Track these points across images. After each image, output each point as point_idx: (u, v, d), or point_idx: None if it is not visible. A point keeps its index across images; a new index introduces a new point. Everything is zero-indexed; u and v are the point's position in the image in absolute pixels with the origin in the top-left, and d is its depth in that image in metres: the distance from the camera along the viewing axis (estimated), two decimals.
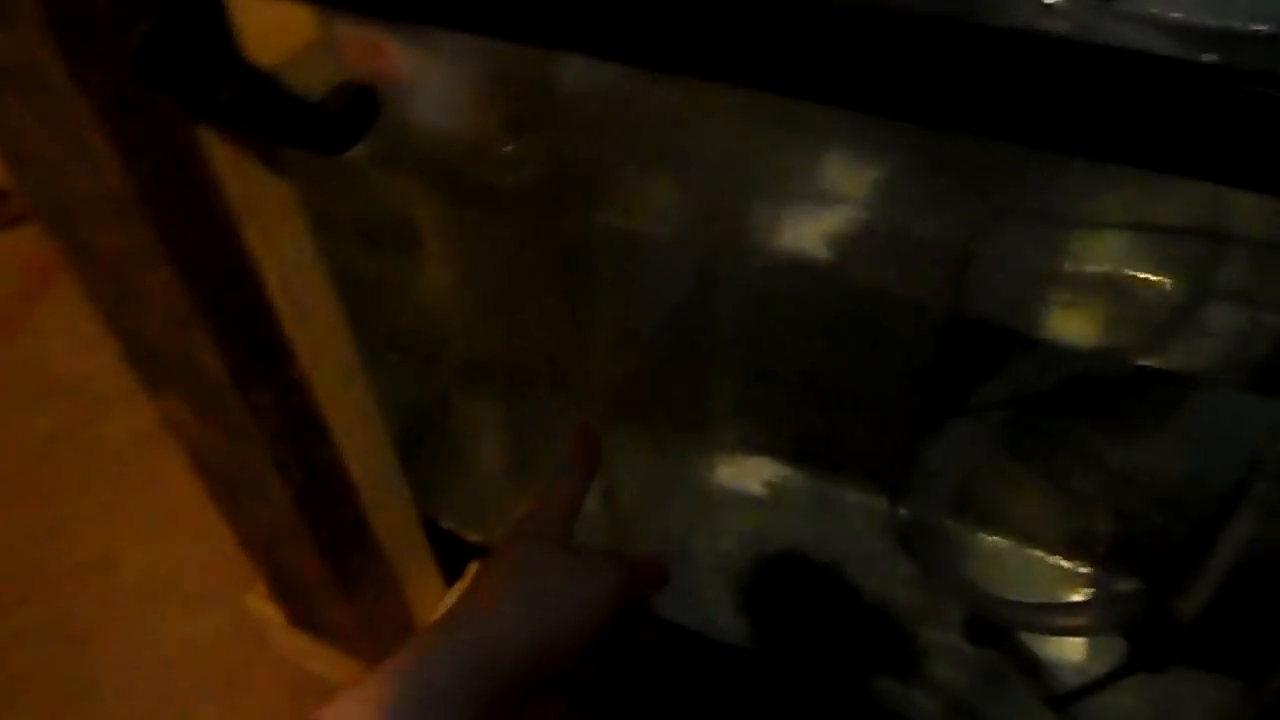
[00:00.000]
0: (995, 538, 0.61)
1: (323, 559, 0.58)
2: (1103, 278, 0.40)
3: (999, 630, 0.58)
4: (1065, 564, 0.59)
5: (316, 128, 0.39)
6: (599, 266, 0.57)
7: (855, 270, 0.48)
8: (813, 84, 0.29)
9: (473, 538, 0.71)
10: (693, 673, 0.70)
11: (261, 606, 0.70)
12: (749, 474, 0.72)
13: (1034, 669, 0.57)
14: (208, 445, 0.53)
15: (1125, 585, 0.56)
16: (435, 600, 0.69)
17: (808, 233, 0.46)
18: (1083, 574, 0.59)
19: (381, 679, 0.42)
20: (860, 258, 0.45)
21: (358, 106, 0.40)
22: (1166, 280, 0.38)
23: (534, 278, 0.58)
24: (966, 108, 0.28)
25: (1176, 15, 0.54)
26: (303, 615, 0.67)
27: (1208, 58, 0.40)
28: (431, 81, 0.43)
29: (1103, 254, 0.40)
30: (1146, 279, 0.39)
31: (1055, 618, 0.54)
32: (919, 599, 0.60)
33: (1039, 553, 0.60)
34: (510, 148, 0.47)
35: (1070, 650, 0.56)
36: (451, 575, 0.71)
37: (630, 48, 0.31)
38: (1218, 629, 0.47)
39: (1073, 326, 0.40)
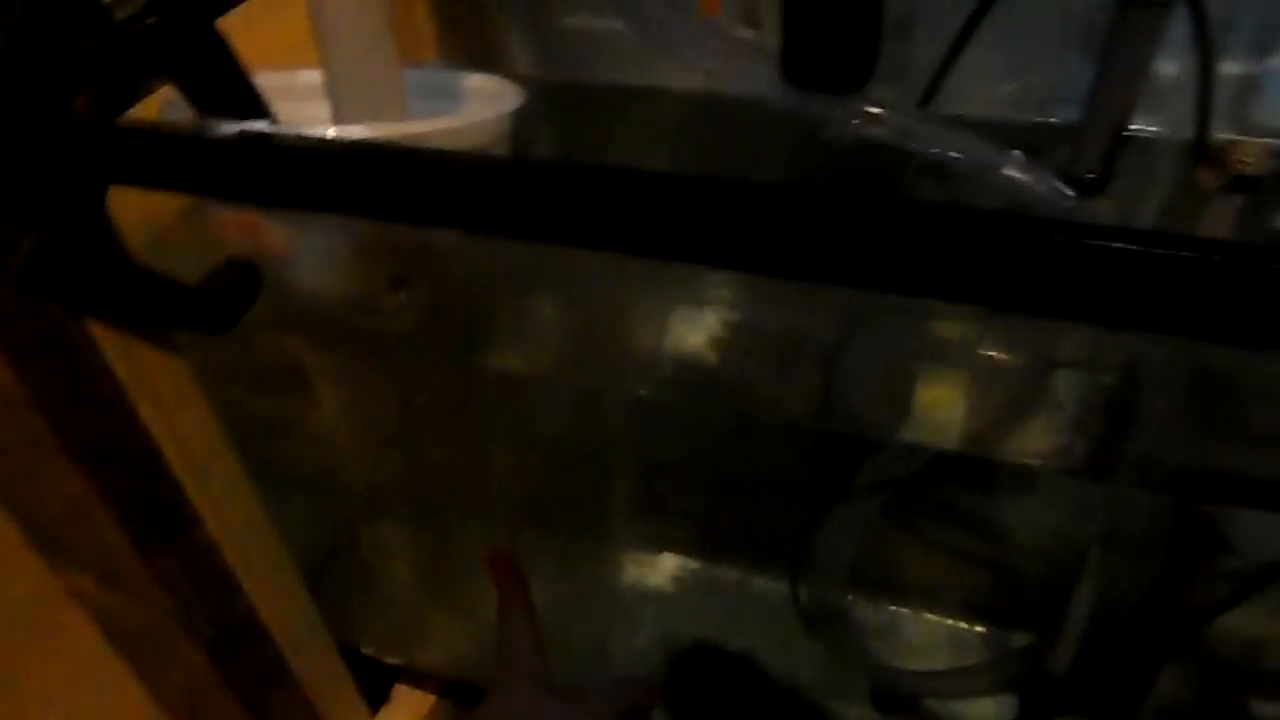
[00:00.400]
0: (892, 608, 0.65)
1: (243, 708, 0.58)
2: (957, 362, 0.43)
3: (904, 699, 0.61)
4: (960, 626, 0.63)
5: (200, 310, 0.41)
6: (487, 399, 0.60)
7: (733, 374, 0.52)
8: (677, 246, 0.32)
9: (393, 661, 0.71)
10: None
11: None
12: (655, 571, 0.74)
13: None
14: (115, 614, 0.53)
15: (1014, 642, 0.60)
16: None
17: (686, 342, 0.49)
18: (977, 634, 0.63)
19: None
20: (736, 362, 0.49)
21: (238, 284, 0.42)
22: (1013, 363, 0.42)
23: (425, 415, 0.60)
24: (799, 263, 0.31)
25: (984, 114, 0.61)
26: None
27: (1016, 153, 0.45)
28: (310, 250, 0.45)
29: (959, 340, 0.44)
30: (996, 361, 0.42)
31: (951, 682, 0.58)
32: (828, 676, 0.63)
33: (934, 618, 0.64)
34: (392, 301, 0.49)
35: (972, 711, 0.60)
36: (375, 700, 0.71)
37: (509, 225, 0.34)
38: (1089, 680, 0.51)
39: (936, 414, 0.44)
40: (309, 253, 0.46)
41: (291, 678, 0.60)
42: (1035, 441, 0.40)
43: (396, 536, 0.71)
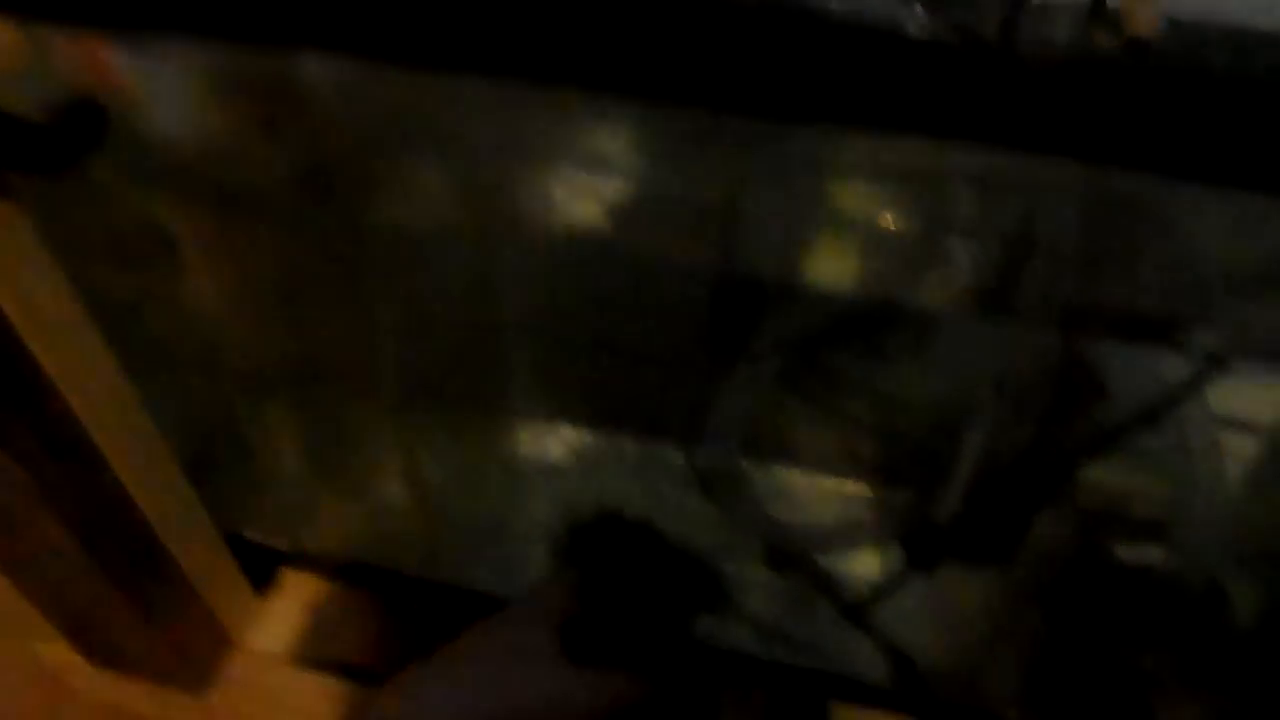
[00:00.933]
0: (785, 471, 0.66)
1: (117, 592, 0.55)
2: (854, 221, 0.43)
3: (797, 556, 0.63)
4: (848, 487, 0.65)
5: (37, 148, 0.37)
6: (373, 260, 0.57)
7: (629, 237, 0.50)
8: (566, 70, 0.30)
9: (280, 545, 0.69)
10: None
11: (57, 654, 0.65)
12: (553, 443, 0.73)
13: (832, 587, 0.62)
14: None
15: (898, 498, 0.62)
16: (246, 614, 0.67)
17: (581, 203, 0.47)
18: (863, 494, 0.65)
19: None
20: (633, 224, 0.47)
21: (81, 122, 0.38)
22: (909, 221, 0.42)
23: (305, 279, 0.56)
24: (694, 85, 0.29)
25: None
26: (105, 654, 0.63)
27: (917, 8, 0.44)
28: (164, 90, 0.41)
29: (853, 200, 0.43)
30: (891, 221, 0.42)
31: (840, 535, 0.60)
32: (724, 539, 0.64)
33: (824, 479, 0.65)
34: (262, 148, 0.45)
35: (861, 566, 0.62)
36: (261, 585, 0.69)
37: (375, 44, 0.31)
38: (971, 528, 0.54)
39: (831, 273, 0.44)
40: (162, 94, 0.42)
41: (170, 561, 0.58)
42: (932, 286, 0.40)
43: (281, 418, 0.68)
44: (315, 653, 0.68)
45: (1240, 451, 0.59)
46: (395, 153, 0.47)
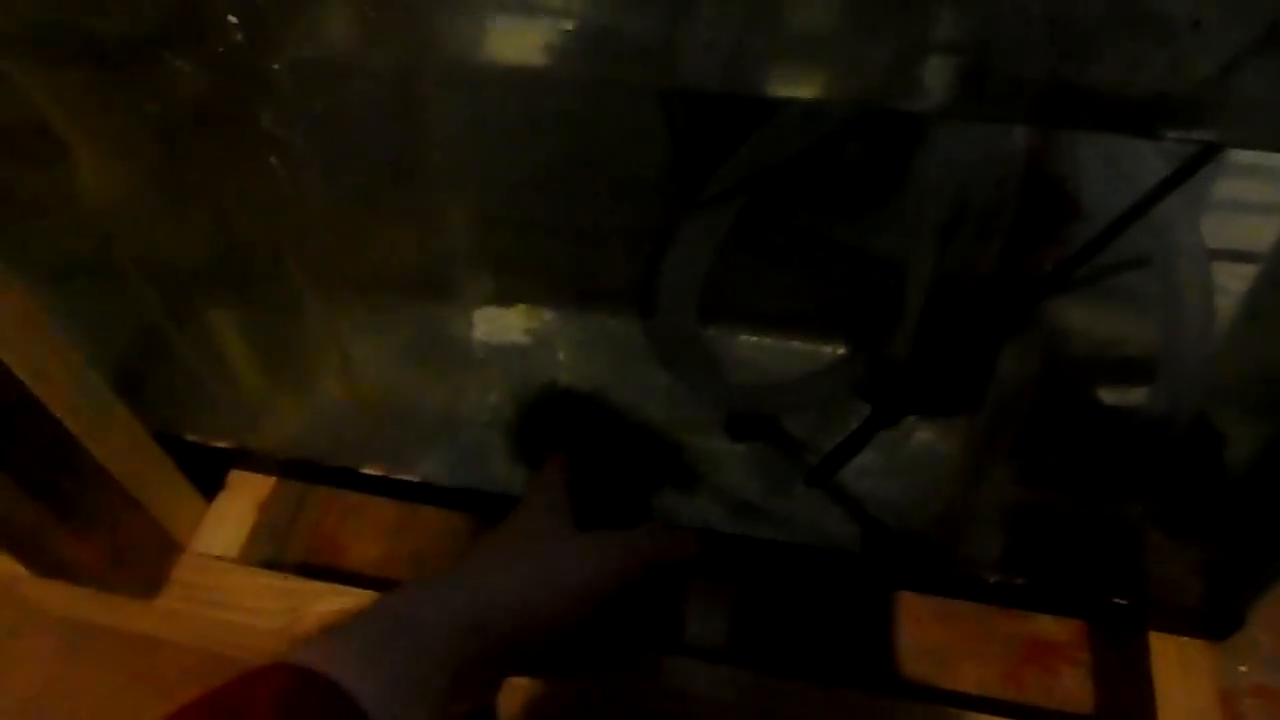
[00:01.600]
0: (743, 335, 0.62)
1: (35, 499, 0.53)
2: (820, 28, 0.37)
3: (758, 422, 0.59)
4: (808, 345, 0.61)
5: None
6: (283, 126, 0.52)
7: (568, 76, 0.44)
8: None
9: (222, 444, 0.66)
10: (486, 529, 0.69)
11: (5, 566, 0.63)
12: (508, 324, 0.69)
13: (796, 451, 0.59)
14: None
15: (860, 350, 0.58)
16: (194, 516, 0.65)
17: (513, 42, 0.42)
18: (825, 351, 0.61)
19: (369, 621, 0.39)
20: (570, 61, 0.42)
21: None
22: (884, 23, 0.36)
23: (207, 157, 0.51)
24: None
25: None
26: (45, 563, 0.61)
27: None
28: None
29: (811, 9, 0.37)
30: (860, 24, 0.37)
31: (800, 394, 0.56)
32: (683, 411, 0.61)
33: (783, 339, 0.61)
34: None
35: (825, 426, 0.58)
36: (209, 488, 0.67)
37: None
38: (933, 372, 0.50)
39: (795, 84, 0.38)
40: None
41: (93, 465, 0.55)
42: (898, 81, 0.35)
43: (208, 310, 0.64)
44: (267, 553, 0.66)
45: (1234, 284, 0.55)
46: None
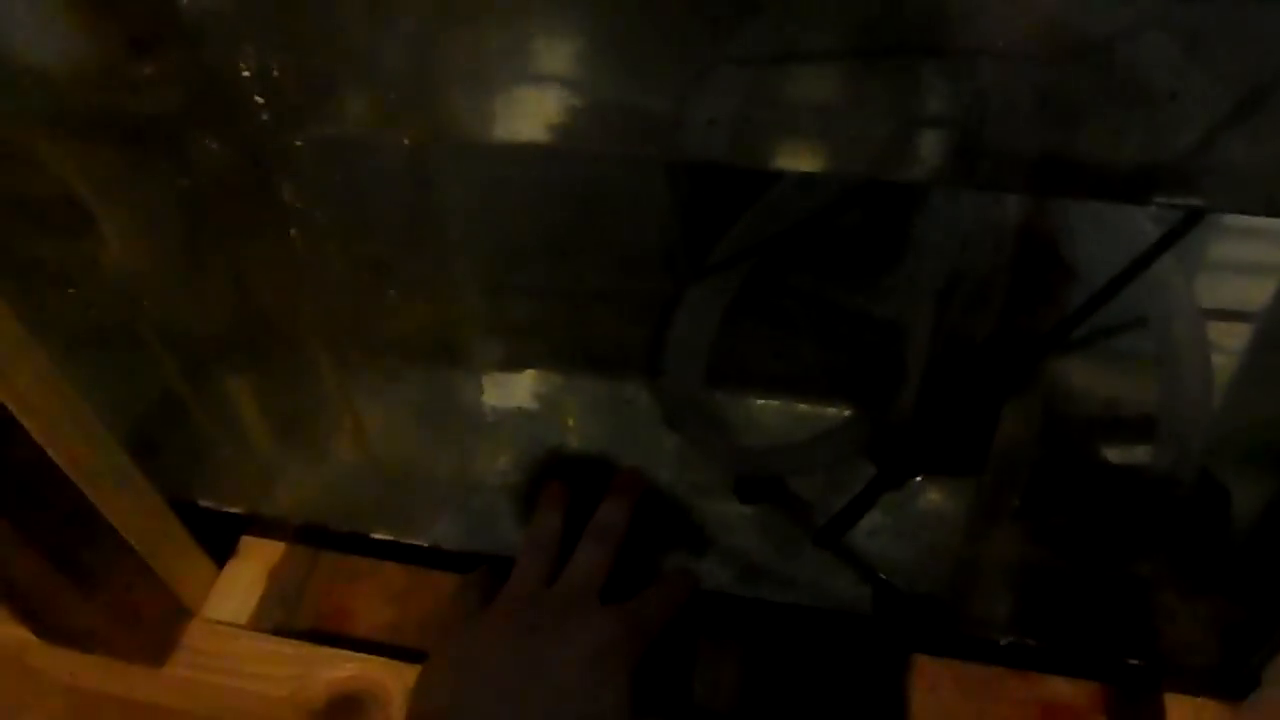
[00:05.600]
0: (750, 397, 0.63)
1: (53, 566, 0.53)
2: (821, 104, 0.39)
3: (766, 484, 0.60)
4: (814, 407, 0.62)
5: None
6: (302, 199, 0.53)
7: (576, 150, 0.46)
8: None
9: (235, 509, 0.67)
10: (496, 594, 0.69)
11: (14, 634, 0.63)
12: (517, 390, 0.70)
13: (804, 513, 0.59)
14: None
15: (865, 412, 0.59)
16: (205, 582, 0.65)
17: (524, 119, 0.43)
18: (831, 413, 0.62)
19: None
20: (579, 136, 0.43)
21: None
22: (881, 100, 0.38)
23: (229, 228, 0.53)
24: None
25: None
26: (56, 632, 0.61)
27: None
28: (13, 9, 0.37)
29: (813, 85, 0.39)
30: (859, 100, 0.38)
31: (806, 453, 0.57)
32: (692, 474, 0.62)
33: (789, 402, 0.62)
34: (143, 69, 0.42)
35: (832, 488, 0.59)
36: (221, 554, 0.67)
37: None
38: (936, 433, 0.51)
39: (798, 158, 0.40)
40: (12, 15, 0.39)
41: (108, 532, 0.55)
42: (895, 153, 0.36)
43: (222, 377, 0.65)
44: (276, 619, 0.66)
45: (1230, 342, 0.55)
46: (307, 69, 0.43)
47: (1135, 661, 0.57)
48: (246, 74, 0.38)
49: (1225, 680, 0.57)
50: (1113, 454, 0.56)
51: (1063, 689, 0.64)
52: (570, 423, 0.67)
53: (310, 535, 0.68)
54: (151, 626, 0.61)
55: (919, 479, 0.56)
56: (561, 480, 0.63)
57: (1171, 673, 0.58)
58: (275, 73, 0.38)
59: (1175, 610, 0.55)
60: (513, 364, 0.70)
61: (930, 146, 0.36)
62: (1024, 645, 0.57)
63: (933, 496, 0.58)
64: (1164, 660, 0.57)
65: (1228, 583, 0.54)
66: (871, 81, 0.35)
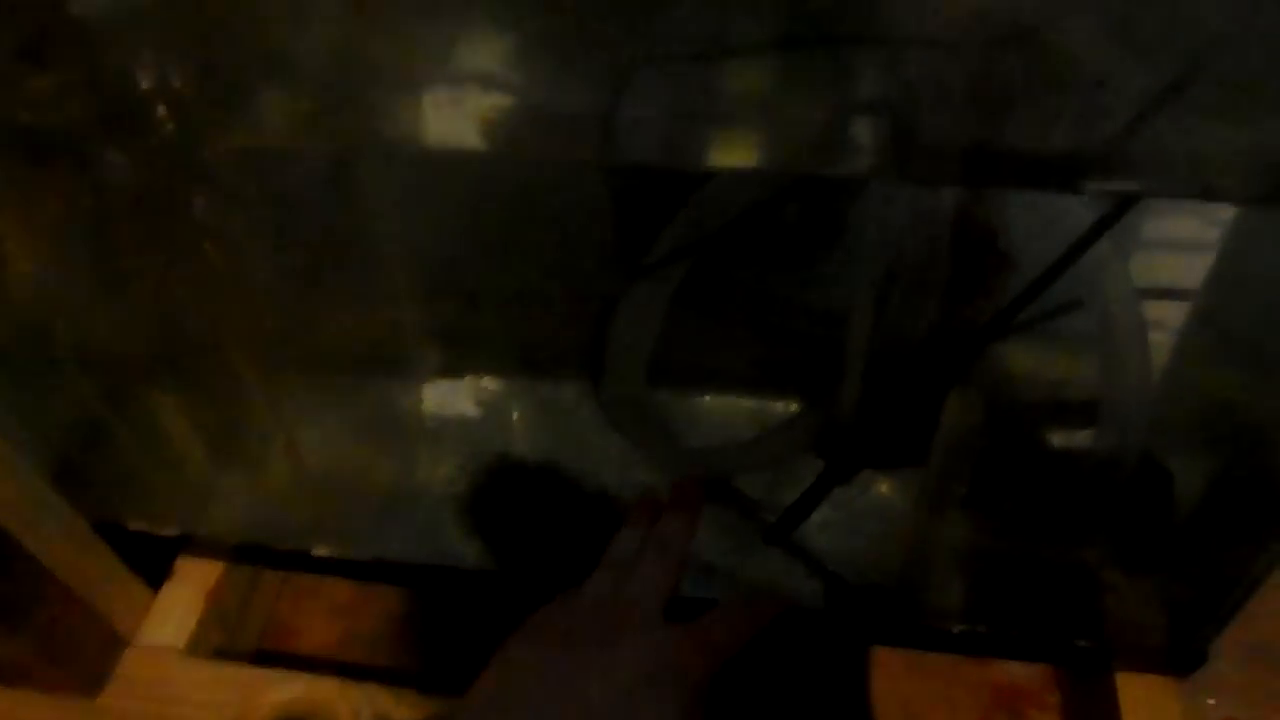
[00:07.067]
0: (693, 395, 0.62)
1: None
2: (750, 100, 0.38)
3: (713, 483, 0.59)
4: (759, 403, 0.61)
5: None
6: (216, 213, 0.51)
7: (505, 149, 0.45)
8: None
9: (167, 532, 0.64)
10: (445, 605, 0.68)
11: None
12: (458, 397, 0.69)
13: (753, 511, 0.59)
14: None
15: (810, 407, 0.59)
16: (139, 608, 0.63)
17: (453, 124, 0.41)
18: (776, 409, 0.61)
19: None
20: (507, 135, 0.42)
21: None
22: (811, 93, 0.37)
23: (141, 244, 0.51)
24: None
25: None
26: None
27: None
28: None
29: (747, 77, 0.38)
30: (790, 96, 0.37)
31: (752, 451, 0.56)
32: (637, 475, 0.61)
33: (733, 398, 0.61)
34: (39, 82, 0.40)
35: (779, 484, 0.58)
36: (155, 577, 0.65)
37: None
38: (880, 429, 0.50)
39: (729, 154, 0.39)
40: None
41: (27, 560, 0.53)
42: (827, 148, 0.35)
43: (147, 395, 0.63)
44: (217, 642, 0.64)
45: (1169, 321, 0.56)
46: (215, 75, 0.41)
47: (1085, 643, 0.57)
48: (145, 85, 0.36)
49: (1174, 657, 0.57)
50: (1056, 439, 0.56)
51: (1016, 672, 0.65)
52: (512, 428, 0.66)
53: (250, 554, 0.66)
54: (84, 657, 0.59)
55: (867, 472, 0.55)
56: (505, 489, 0.62)
57: (1121, 652, 0.58)
58: (176, 83, 0.36)
59: (1122, 591, 0.56)
60: (451, 371, 0.68)
61: (861, 140, 0.35)
62: (976, 632, 0.57)
63: (882, 489, 0.58)
64: (1113, 640, 0.57)
65: (1172, 562, 0.54)
66: (798, 75, 0.34)
